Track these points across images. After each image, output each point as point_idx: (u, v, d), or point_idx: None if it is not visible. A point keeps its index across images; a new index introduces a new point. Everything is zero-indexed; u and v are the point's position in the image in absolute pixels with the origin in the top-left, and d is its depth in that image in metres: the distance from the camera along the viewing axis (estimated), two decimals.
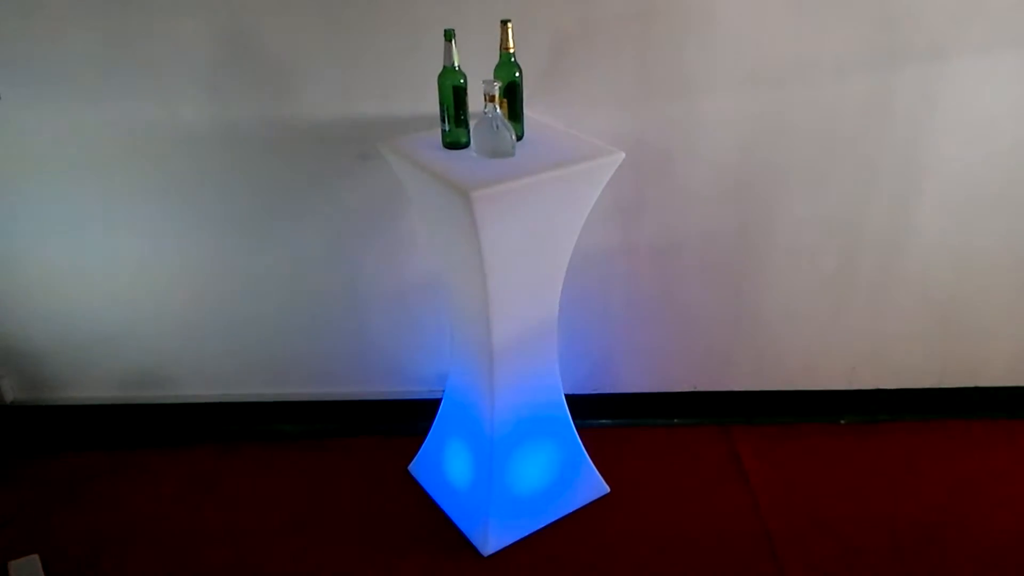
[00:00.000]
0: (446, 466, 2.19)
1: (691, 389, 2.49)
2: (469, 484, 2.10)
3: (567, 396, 2.12)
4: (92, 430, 2.48)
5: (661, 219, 2.20)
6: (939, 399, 2.50)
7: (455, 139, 1.78)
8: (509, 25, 1.73)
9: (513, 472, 2.05)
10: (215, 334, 2.37)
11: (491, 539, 2.05)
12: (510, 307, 1.84)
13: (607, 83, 2.02)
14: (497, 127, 1.70)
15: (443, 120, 1.76)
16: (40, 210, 2.17)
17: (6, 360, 2.42)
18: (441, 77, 1.72)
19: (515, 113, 1.80)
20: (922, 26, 1.96)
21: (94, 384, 2.46)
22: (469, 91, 1.74)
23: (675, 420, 2.51)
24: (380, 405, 2.48)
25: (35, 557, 2.03)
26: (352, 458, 2.39)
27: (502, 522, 2.06)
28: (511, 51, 1.75)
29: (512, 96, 1.78)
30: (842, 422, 2.52)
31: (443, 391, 2.19)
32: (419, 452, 2.30)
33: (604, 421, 2.50)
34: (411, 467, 2.32)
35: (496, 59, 1.77)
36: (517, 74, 1.77)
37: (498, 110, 1.69)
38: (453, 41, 1.69)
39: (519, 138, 1.82)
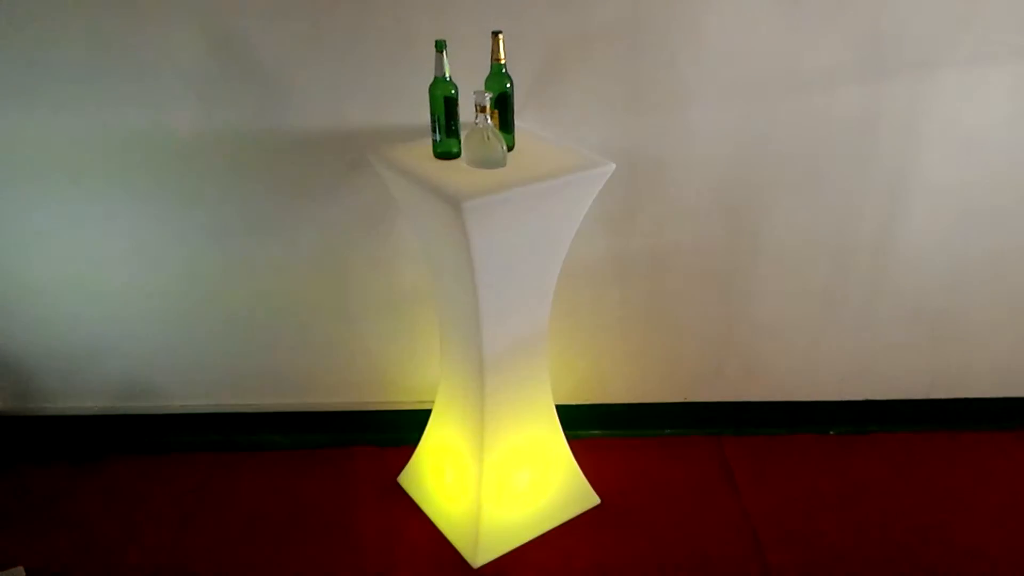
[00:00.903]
0: (436, 477, 2.18)
1: (681, 400, 2.49)
2: (459, 495, 2.09)
3: (557, 407, 2.12)
4: (82, 440, 2.47)
5: (651, 230, 2.21)
6: (928, 410, 2.51)
7: (446, 149, 1.78)
8: (500, 36, 1.74)
9: (503, 483, 2.04)
10: (204, 344, 2.36)
11: (481, 551, 2.05)
12: (501, 317, 1.84)
13: (598, 94, 2.02)
14: (488, 137, 1.70)
15: (434, 130, 1.77)
16: (28, 219, 2.16)
17: None
18: (432, 87, 1.72)
19: (506, 124, 1.81)
20: (911, 40, 1.97)
21: (84, 394, 2.44)
22: (460, 102, 1.74)
23: (666, 431, 2.51)
24: (370, 415, 2.48)
25: (20, 569, 2.02)
26: (342, 469, 2.38)
27: (492, 534, 2.06)
28: (502, 62, 1.76)
29: (503, 107, 1.78)
30: (832, 433, 2.52)
31: (433, 402, 2.18)
32: (409, 463, 2.29)
33: (594, 432, 2.49)
34: (400, 478, 2.31)
35: (487, 70, 1.77)
36: (508, 85, 1.77)
37: (489, 121, 1.70)
38: (444, 52, 1.70)
39: (510, 149, 1.82)
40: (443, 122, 1.75)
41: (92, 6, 1.89)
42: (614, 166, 1.77)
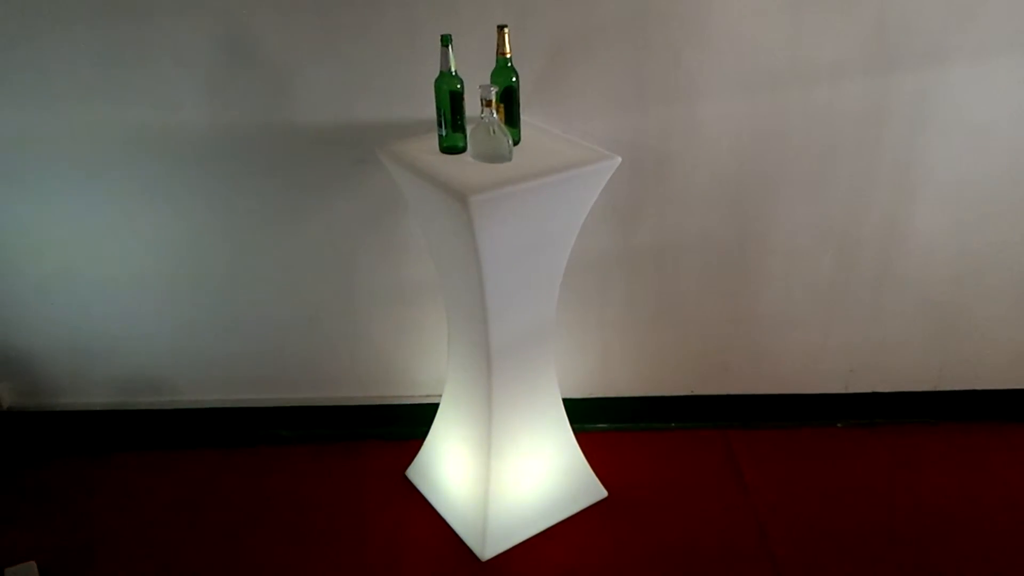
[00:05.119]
0: (444, 471, 2.19)
1: (688, 393, 2.49)
2: (467, 489, 2.10)
3: (564, 400, 2.12)
4: (90, 436, 2.48)
5: (658, 223, 2.21)
6: (936, 402, 2.51)
7: (452, 144, 1.78)
8: (506, 30, 1.73)
9: (511, 476, 2.05)
10: (212, 339, 2.37)
11: (489, 544, 2.05)
12: (507, 311, 1.84)
13: (604, 88, 2.02)
14: (494, 132, 1.70)
15: (440, 125, 1.77)
16: (37, 215, 2.17)
17: (3, 366, 2.41)
18: (438, 82, 1.72)
19: (512, 118, 1.81)
20: (918, 32, 1.97)
21: (92, 390, 2.45)
22: (466, 96, 1.75)
23: (672, 424, 2.51)
24: (378, 410, 2.48)
25: (32, 564, 2.03)
26: (350, 463, 2.39)
27: (500, 527, 2.06)
28: (508, 56, 1.76)
29: (509, 101, 1.78)
30: (839, 425, 2.52)
31: (441, 395, 2.19)
32: (417, 457, 2.30)
33: (601, 425, 2.50)
34: (408, 472, 2.32)
35: (493, 64, 1.77)
36: (514, 79, 1.77)
37: (495, 115, 1.70)
38: (450, 46, 1.70)
39: (516, 143, 1.82)
40: (449, 117, 1.75)
41: (104, 4, 1.90)
42: (620, 160, 1.77)
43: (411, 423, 2.39)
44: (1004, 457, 2.38)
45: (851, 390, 2.50)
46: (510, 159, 1.73)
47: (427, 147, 1.82)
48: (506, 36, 1.74)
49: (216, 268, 2.26)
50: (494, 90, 1.69)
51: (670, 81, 2.01)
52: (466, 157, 1.77)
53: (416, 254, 2.23)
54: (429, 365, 2.41)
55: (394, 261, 2.25)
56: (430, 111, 1.80)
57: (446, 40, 1.69)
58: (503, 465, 2.02)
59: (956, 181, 2.16)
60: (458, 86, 1.72)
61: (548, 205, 1.75)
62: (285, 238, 2.22)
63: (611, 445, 2.42)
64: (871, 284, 2.32)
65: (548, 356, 2.02)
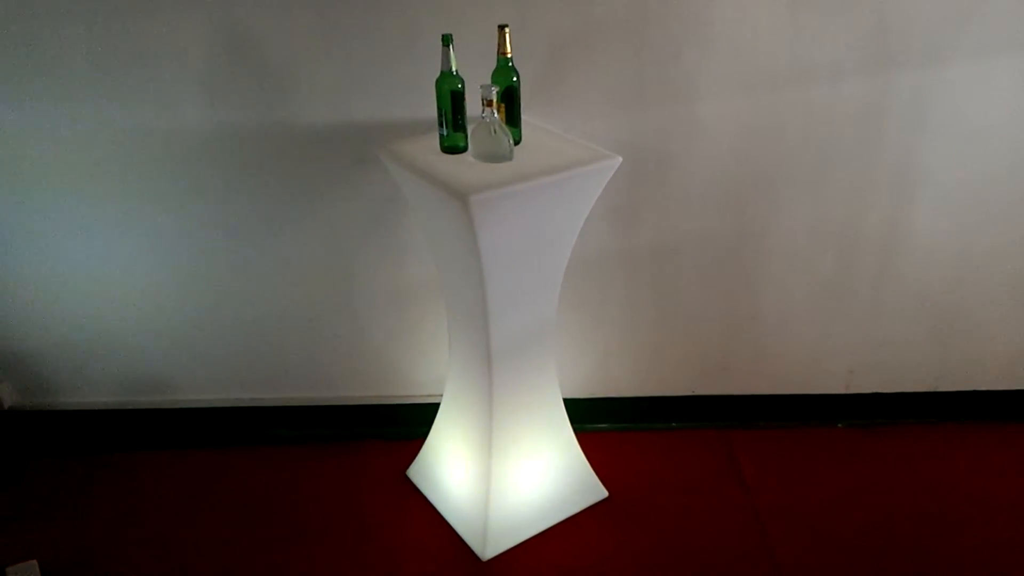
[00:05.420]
0: (444, 470, 2.19)
1: (689, 393, 2.49)
2: (467, 488, 2.10)
3: (565, 400, 2.12)
4: (90, 435, 2.48)
5: (658, 223, 2.21)
6: (936, 403, 2.51)
7: (453, 143, 1.79)
8: (507, 30, 1.74)
9: (511, 476, 2.05)
10: (213, 338, 2.37)
11: (489, 544, 2.05)
12: (508, 311, 1.84)
13: (604, 88, 2.02)
14: (495, 131, 1.70)
15: (441, 125, 1.77)
16: (37, 215, 2.17)
17: (4, 365, 2.42)
18: (439, 82, 1.73)
19: (513, 118, 1.81)
20: (917, 32, 1.97)
21: (93, 389, 2.45)
22: (467, 96, 1.75)
23: (673, 424, 2.51)
24: (378, 409, 2.48)
25: (33, 563, 2.03)
26: (350, 463, 2.39)
27: (500, 527, 2.06)
28: (509, 56, 1.76)
29: (510, 101, 1.78)
30: (840, 426, 2.52)
31: (441, 395, 2.19)
32: (417, 456, 2.30)
33: (602, 425, 2.50)
34: (409, 471, 2.32)
35: (494, 64, 1.78)
36: (515, 79, 1.77)
37: (496, 115, 1.70)
38: (451, 46, 1.70)
39: (517, 142, 1.82)
40: (450, 116, 1.75)
41: (104, 3, 1.90)
42: (620, 159, 1.77)
43: (411, 423, 2.40)
44: (1004, 457, 2.38)
45: (851, 390, 2.50)
46: (511, 159, 1.73)
47: (428, 147, 1.82)
48: (507, 36, 1.74)
49: (216, 267, 2.26)
50: (495, 90, 1.69)
51: (670, 81, 2.02)
52: (467, 157, 1.78)
53: (416, 254, 2.23)
54: (429, 365, 2.41)
55: (395, 261, 2.25)
56: (430, 111, 1.80)
57: (447, 40, 1.70)
58: (504, 465, 2.02)
59: (956, 181, 2.16)
60: (459, 86, 1.73)
61: (549, 205, 1.75)
62: (285, 238, 2.22)
63: (612, 445, 2.42)
64: (871, 284, 2.32)
65: (548, 356, 2.02)
